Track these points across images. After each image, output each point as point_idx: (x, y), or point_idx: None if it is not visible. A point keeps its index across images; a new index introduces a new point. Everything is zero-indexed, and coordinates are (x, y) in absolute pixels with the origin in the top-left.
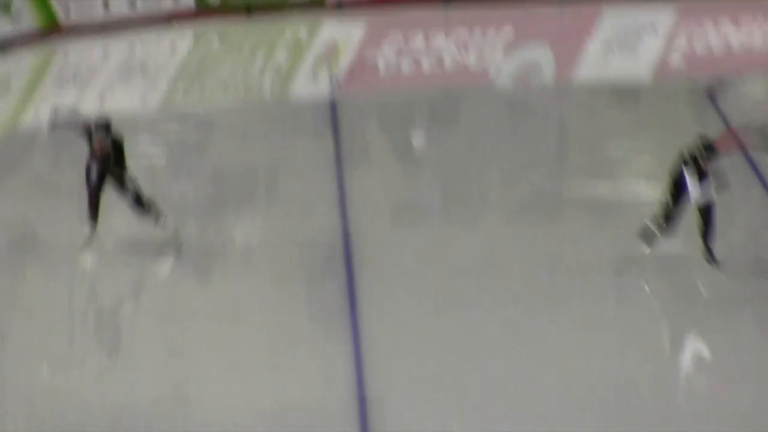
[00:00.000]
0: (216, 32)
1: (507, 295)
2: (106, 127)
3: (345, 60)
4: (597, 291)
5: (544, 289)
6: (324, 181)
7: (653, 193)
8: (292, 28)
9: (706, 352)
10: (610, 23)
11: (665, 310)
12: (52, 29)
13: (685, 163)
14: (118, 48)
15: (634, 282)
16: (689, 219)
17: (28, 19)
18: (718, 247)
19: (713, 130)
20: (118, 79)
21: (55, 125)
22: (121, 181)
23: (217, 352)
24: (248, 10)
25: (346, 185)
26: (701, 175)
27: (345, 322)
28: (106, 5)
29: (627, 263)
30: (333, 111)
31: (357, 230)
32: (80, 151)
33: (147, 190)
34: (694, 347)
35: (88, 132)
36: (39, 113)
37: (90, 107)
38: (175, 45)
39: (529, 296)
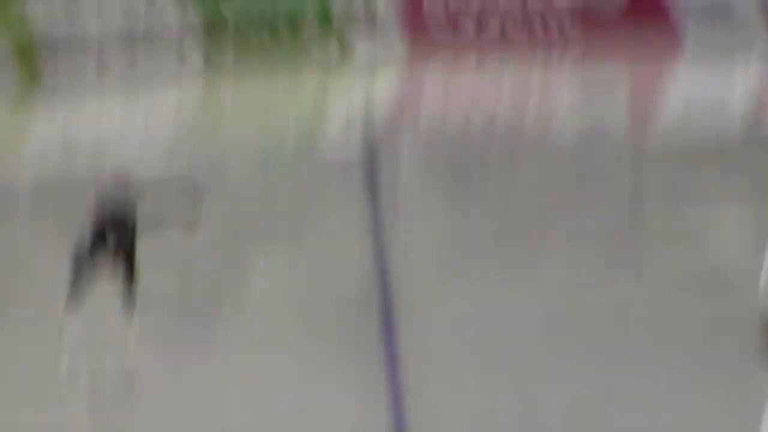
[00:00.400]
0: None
1: (570, 360)
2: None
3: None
4: (685, 362)
5: (617, 355)
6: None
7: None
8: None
9: None
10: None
11: None
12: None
13: None
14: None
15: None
16: None
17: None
18: None
19: None
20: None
21: None
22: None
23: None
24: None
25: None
26: None
27: (383, 385)
28: (100, 67)
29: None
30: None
31: (398, 280)
32: None
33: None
34: None
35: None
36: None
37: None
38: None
39: (598, 364)
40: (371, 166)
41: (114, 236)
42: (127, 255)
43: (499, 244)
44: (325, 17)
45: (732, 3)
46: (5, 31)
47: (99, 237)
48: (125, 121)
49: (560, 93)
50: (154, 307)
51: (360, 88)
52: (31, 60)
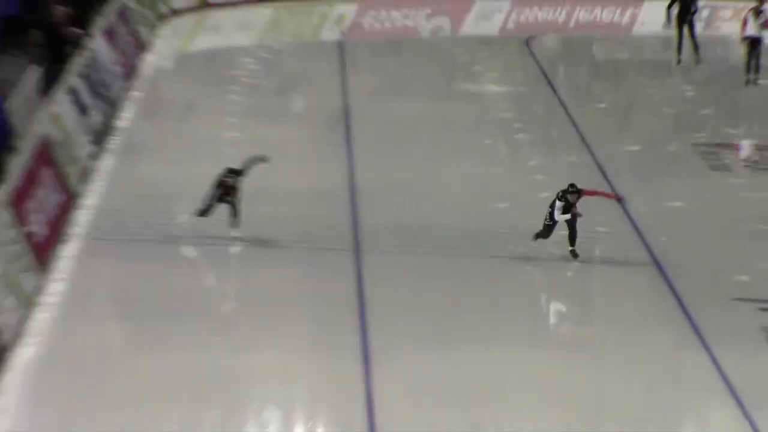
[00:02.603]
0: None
1: None
2: (237, 172)
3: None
4: None
5: None
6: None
7: None
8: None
9: None
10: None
11: None
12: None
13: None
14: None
15: None
16: None
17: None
18: None
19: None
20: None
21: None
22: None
23: None
24: None
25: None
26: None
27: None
28: None
29: None
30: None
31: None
32: None
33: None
34: None
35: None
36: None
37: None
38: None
39: None
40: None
41: (230, 180)
42: (234, 193)
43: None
44: None
45: None
46: None
47: (221, 182)
48: None
49: None
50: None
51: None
52: None
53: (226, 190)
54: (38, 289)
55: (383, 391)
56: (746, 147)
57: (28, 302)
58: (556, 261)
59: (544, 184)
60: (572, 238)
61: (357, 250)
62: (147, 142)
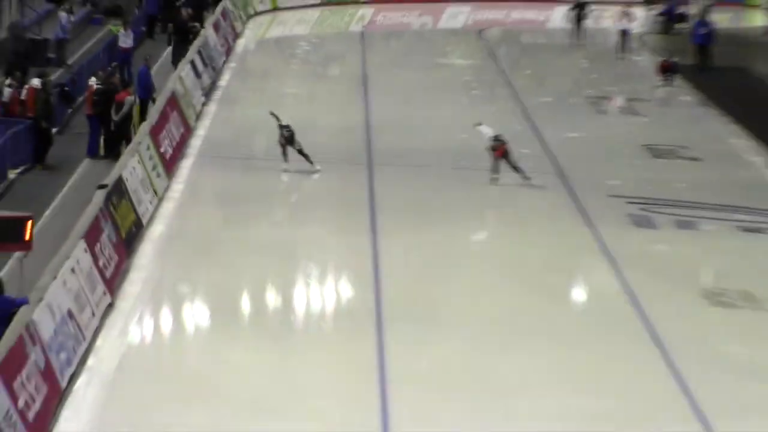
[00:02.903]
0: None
1: None
2: (287, 127)
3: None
4: None
5: None
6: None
7: None
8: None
9: None
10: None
11: None
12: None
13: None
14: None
15: None
16: None
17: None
18: None
19: None
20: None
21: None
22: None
23: None
24: None
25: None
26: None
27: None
28: None
29: None
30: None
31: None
32: None
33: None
34: None
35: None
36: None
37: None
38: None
39: None
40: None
41: (286, 131)
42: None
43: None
44: None
45: None
46: None
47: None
48: None
49: None
50: None
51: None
52: None
53: (286, 140)
54: (166, 188)
55: (386, 253)
56: (618, 99)
57: (159, 196)
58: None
59: (491, 122)
60: (513, 168)
61: (370, 165)
62: (238, 95)
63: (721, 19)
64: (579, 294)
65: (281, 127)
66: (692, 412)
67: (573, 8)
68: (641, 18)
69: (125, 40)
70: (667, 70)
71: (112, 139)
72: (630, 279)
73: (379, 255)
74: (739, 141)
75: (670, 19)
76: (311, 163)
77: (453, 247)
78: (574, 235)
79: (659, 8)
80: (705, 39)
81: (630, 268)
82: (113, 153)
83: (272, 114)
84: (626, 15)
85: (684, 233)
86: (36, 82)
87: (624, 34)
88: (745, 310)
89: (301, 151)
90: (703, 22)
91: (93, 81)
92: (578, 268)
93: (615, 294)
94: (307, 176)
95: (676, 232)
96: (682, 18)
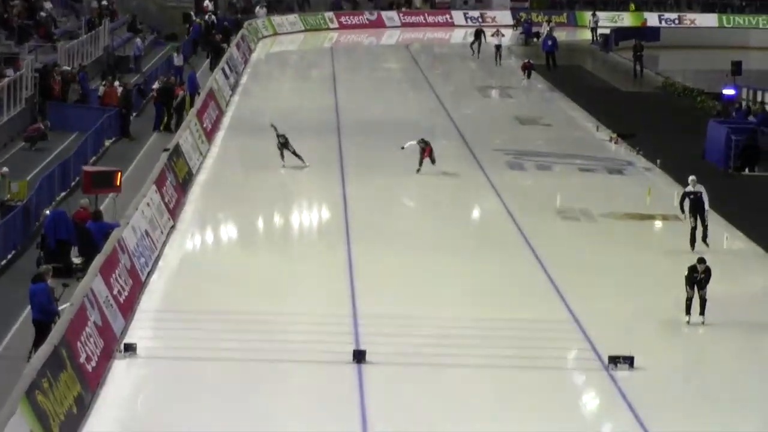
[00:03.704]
0: None
1: None
2: (283, 136)
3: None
4: None
5: None
6: None
7: None
8: None
9: None
10: None
11: None
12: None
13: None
14: None
15: None
16: None
17: None
18: None
19: None
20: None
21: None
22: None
23: None
24: None
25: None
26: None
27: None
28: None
29: None
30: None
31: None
32: None
33: None
34: None
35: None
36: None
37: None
38: None
39: None
40: None
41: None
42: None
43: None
44: None
45: None
46: None
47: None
48: None
49: None
50: None
51: None
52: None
53: (282, 145)
54: (207, 150)
55: (351, 192)
56: (496, 89)
57: (203, 156)
58: None
59: (414, 105)
60: (432, 161)
61: (339, 132)
62: (252, 90)
63: (561, 35)
64: (476, 214)
65: (278, 135)
66: (551, 289)
67: (474, 34)
68: (509, 35)
69: (178, 60)
70: (527, 68)
71: (169, 119)
72: (508, 203)
73: (346, 194)
74: (575, 113)
75: (527, 35)
76: (302, 161)
77: (396, 187)
78: (472, 176)
79: (520, 29)
80: (551, 48)
81: (508, 197)
82: (170, 129)
83: (272, 126)
84: (499, 34)
85: (542, 173)
86: (120, 83)
87: (498, 47)
88: (582, 222)
89: (294, 153)
90: (549, 37)
91: (158, 83)
92: (475, 197)
93: (498, 213)
94: (297, 141)
95: (537, 172)
96: (536, 35)
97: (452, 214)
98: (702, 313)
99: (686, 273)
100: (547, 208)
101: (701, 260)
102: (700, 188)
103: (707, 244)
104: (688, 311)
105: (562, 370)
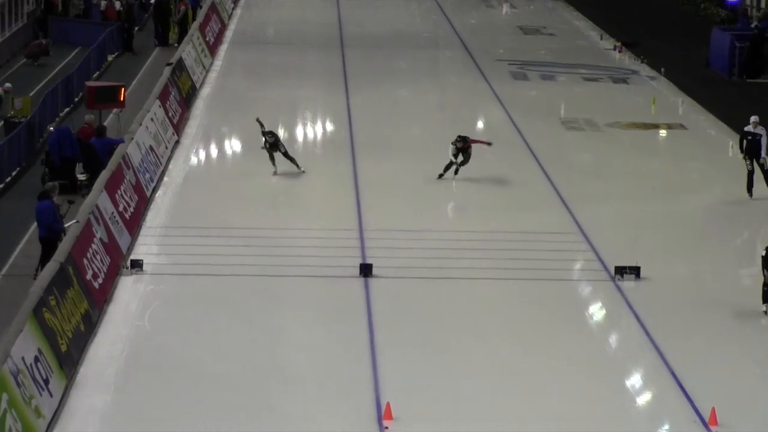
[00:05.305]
0: None
1: None
2: (271, 133)
3: None
4: None
5: None
6: None
7: None
8: None
9: None
10: None
11: None
12: None
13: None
14: None
15: None
16: None
17: None
18: None
19: None
20: None
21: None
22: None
23: None
24: None
25: None
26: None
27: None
28: None
29: None
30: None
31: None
32: None
33: None
34: None
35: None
36: None
37: None
38: None
39: None
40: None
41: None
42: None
43: None
44: None
45: None
46: None
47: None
48: None
49: None
50: None
51: None
52: None
53: (270, 146)
54: (211, 64)
55: (355, 104)
56: (504, 5)
57: (206, 69)
58: None
59: (420, 14)
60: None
61: (342, 46)
62: (255, 4)
63: None
64: (481, 123)
65: (265, 134)
66: (557, 199)
67: None
68: None
69: None
70: None
71: (166, 32)
72: (512, 114)
73: (351, 106)
74: (579, 22)
75: None
76: (297, 165)
77: (398, 99)
78: (476, 86)
79: None
80: None
81: (512, 107)
82: (169, 43)
83: (258, 120)
84: None
85: (546, 83)
86: None
87: None
88: (587, 132)
89: (286, 154)
90: None
91: None
92: (480, 106)
93: (503, 122)
94: (301, 56)
95: (541, 82)
96: None
97: (457, 126)
98: None
99: (764, 254)
100: (551, 118)
101: None
102: (761, 130)
103: None
104: (766, 298)
105: (569, 281)
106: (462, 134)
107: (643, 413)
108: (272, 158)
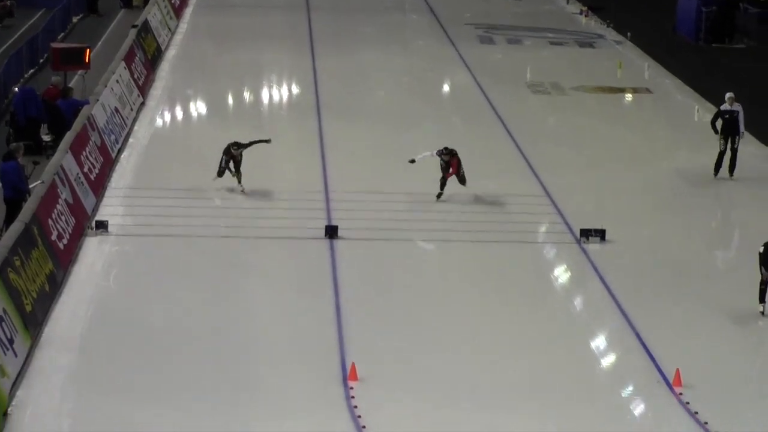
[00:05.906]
0: None
1: None
2: (240, 145)
3: None
4: None
5: None
6: None
7: None
8: None
9: None
10: None
11: None
12: None
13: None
14: None
15: None
16: None
17: None
18: None
19: None
20: None
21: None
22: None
23: None
24: None
25: None
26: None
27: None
28: None
29: None
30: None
31: None
32: None
33: None
34: None
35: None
36: None
37: None
38: None
39: None
40: None
41: (234, 151)
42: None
43: None
44: None
45: None
46: None
47: (228, 151)
48: None
49: None
50: None
51: None
52: None
53: (231, 157)
54: (176, 27)
55: (321, 68)
56: None
57: (172, 32)
58: None
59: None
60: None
61: (308, 8)
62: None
63: None
64: (446, 87)
65: (236, 145)
66: (527, 167)
67: None
68: None
69: None
70: None
71: None
72: (479, 78)
73: (316, 69)
74: None
75: None
76: (240, 183)
77: (365, 64)
78: (443, 50)
79: None
80: None
81: (478, 71)
82: (134, 5)
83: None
84: None
85: (513, 47)
86: None
87: None
88: (553, 95)
89: (237, 171)
90: None
91: None
92: (446, 70)
93: (470, 86)
94: (267, 19)
95: (507, 46)
96: None
97: (423, 90)
98: None
99: (761, 251)
100: (517, 81)
101: None
102: (738, 107)
103: (732, 175)
104: (762, 298)
105: (534, 244)
106: (449, 147)
107: (607, 374)
108: (222, 171)
